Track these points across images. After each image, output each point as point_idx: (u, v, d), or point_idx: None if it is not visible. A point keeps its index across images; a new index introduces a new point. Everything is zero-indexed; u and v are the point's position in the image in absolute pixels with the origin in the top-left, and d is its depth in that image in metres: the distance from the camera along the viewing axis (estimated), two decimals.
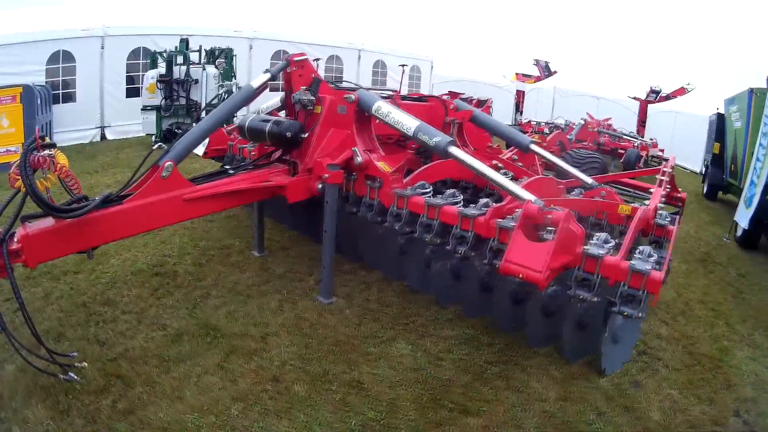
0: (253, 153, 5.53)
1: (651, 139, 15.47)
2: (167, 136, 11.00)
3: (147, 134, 11.44)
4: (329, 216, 4.37)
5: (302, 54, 4.66)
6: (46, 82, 11.11)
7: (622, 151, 13.66)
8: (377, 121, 4.60)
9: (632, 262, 3.23)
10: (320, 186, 4.33)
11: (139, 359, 3.70)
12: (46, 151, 2.98)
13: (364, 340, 4.15)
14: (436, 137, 4.05)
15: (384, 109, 4.33)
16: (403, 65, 15.47)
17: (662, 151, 15.57)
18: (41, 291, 4.60)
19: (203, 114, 11.08)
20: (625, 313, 3.19)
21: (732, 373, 4.17)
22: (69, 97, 11.84)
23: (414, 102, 5.76)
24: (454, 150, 4.05)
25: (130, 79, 12.71)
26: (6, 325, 2.94)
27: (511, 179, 4.52)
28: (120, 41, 12.29)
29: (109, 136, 12.51)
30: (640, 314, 3.16)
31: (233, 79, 11.47)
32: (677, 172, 15.67)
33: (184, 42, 10.94)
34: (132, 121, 12.43)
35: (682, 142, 17.08)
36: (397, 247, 4.53)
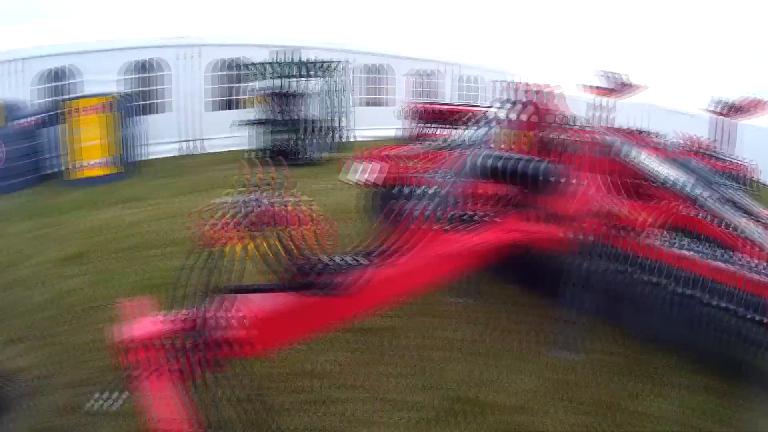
0: None
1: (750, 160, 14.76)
2: (276, 153, 10.67)
3: (251, 150, 11.05)
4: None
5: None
6: (134, 92, 10.77)
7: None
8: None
9: None
10: (581, 237, 3.94)
11: None
12: (291, 198, 2.07)
13: (633, 399, 3.72)
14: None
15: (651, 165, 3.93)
16: (499, 81, 15.13)
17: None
18: None
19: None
20: None
21: None
22: (155, 108, 11.46)
23: None
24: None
25: (222, 91, 12.37)
26: None
27: None
28: (211, 51, 11.92)
29: (199, 150, 12.08)
30: None
31: (350, 93, 11.03)
32: None
33: (297, 53, 10.58)
34: (224, 135, 11.97)
35: None
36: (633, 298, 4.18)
